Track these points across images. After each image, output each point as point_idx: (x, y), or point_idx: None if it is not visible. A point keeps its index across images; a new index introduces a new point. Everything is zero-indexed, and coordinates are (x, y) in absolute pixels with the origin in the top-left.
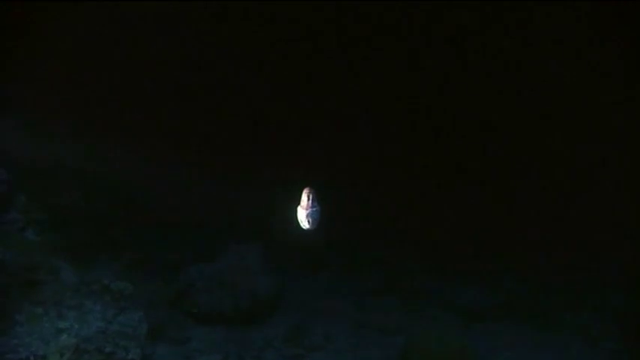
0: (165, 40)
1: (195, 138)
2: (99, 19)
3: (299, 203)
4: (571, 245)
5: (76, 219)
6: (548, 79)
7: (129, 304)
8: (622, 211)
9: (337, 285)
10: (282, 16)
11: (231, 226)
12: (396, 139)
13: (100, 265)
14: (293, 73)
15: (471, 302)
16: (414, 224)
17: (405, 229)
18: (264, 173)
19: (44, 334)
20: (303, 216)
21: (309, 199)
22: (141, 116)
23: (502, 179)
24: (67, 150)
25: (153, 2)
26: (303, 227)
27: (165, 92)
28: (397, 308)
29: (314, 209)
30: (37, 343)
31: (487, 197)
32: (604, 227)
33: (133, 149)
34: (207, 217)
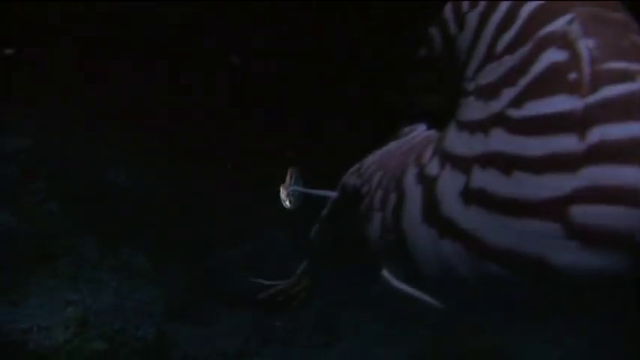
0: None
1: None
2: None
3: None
4: None
5: (102, 193)
6: None
7: (147, 281)
8: None
9: (369, 273)
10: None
11: (258, 210)
12: None
13: (124, 242)
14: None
15: None
16: None
17: None
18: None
19: (53, 306)
20: (283, 195)
21: (290, 178)
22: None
23: None
24: None
25: None
26: (285, 206)
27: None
28: None
29: (293, 188)
30: (44, 314)
31: None
32: None
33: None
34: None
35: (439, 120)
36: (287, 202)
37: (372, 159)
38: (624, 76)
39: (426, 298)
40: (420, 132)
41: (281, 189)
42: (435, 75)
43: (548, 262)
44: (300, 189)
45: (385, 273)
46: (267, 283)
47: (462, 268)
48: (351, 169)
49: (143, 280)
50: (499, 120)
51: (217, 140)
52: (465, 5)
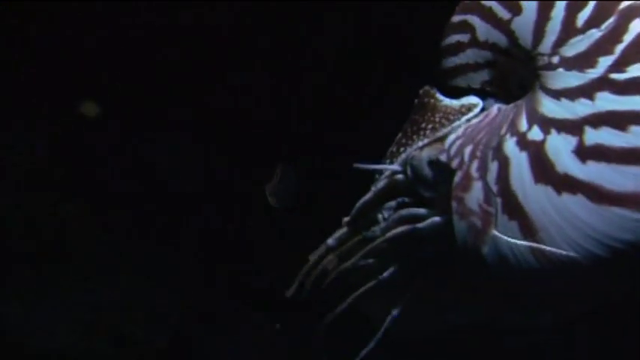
0: None
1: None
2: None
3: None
4: None
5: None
6: None
7: (166, 282)
8: None
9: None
10: None
11: None
12: None
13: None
14: None
15: None
16: None
17: None
18: None
19: (63, 306)
20: (267, 191)
21: (276, 176)
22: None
23: None
24: None
25: None
26: (272, 204)
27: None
28: None
29: (280, 186)
30: (50, 315)
31: None
32: None
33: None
34: None
35: (489, 93)
36: (272, 200)
37: (454, 135)
38: None
39: (546, 247)
40: (493, 108)
41: (266, 187)
42: (480, 56)
43: None
44: (365, 166)
45: (496, 233)
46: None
47: (585, 214)
48: (413, 147)
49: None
50: (603, 84)
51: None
52: None
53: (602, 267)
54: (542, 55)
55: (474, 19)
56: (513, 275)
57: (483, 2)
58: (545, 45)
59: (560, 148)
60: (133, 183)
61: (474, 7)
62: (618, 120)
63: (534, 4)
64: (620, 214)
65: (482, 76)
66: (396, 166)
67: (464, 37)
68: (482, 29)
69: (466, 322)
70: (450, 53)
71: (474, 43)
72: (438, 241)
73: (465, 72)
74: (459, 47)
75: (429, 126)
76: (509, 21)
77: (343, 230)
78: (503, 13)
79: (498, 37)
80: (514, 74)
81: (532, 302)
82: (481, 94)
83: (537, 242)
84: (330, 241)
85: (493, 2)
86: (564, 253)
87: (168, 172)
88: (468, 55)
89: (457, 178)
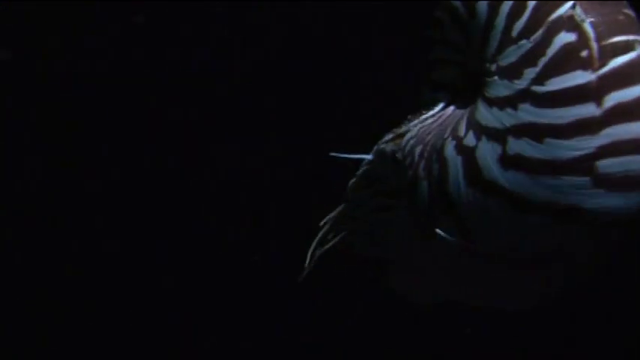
0: None
1: None
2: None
3: None
4: None
5: None
6: None
7: None
8: None
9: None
10: None
11: None
12: None
13: None
14: None
15: None
16: None
17: None
18: None
19: None
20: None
21: None
22: None
23: None
24: None
25: None
26: None
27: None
28: None
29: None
30: None
31: None
32: None
33: None
34: None
35: (455, 93)
36: None
37: (410, 134)
38: (626, 47)
39: (476, 246)
40: (443, 108)
41: None
42: (448, 52)
43: (581, 208)
44: (342, 155)
45: (438, 230)
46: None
47: (506, 220)
48: (386, 137)
49: None
50: (525, 96)
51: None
52: None
53: (525, 269)
54: (485, 62)
55: (445, 17)
56: (454, 266)
57: (453, 2)
58: (488, 52)
59: (487, 155)
60: None
61: (447, 5)
62: (535, 131)
63: (485, 9)
64: (534, 222)
65: (450, 74)
66: (369, 156)
67: (436, 33)
68: (449, 28)
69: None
70: (428, 46)
71: (443, 40)
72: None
73: (437, 67)
74: (433, 41)
75: (405, 120)
76: (467, 23)
77: (334, 212)
78: (464, 14)
79: (460, 39)
80: (471, 77)
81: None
82: (451, 92)
83: (469, 241)
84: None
85: (459, 2)
86: (489, 253)
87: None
88: (439, 51)
89: (408, 176)
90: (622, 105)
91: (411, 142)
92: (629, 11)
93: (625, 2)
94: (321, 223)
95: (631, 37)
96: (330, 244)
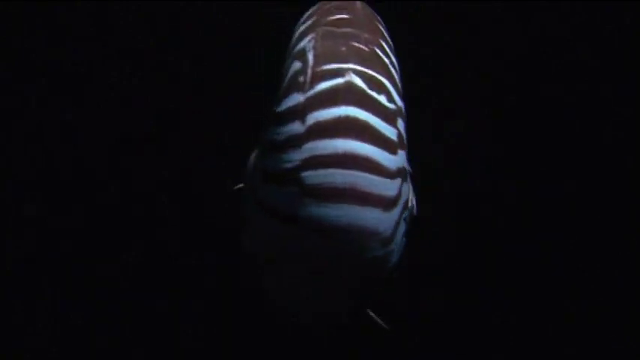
0: None
1: None
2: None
3: None
4: None
5: None
6: None
7: None
8: None
9: None
10: None
11: None
12: None
13: None
14: None
15: None
16: None
17: None
18: None
19: None
20: None
21: None
22: None
23: None
24: None
25: None
26: None
27: None
28: None
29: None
30: None
31: None
32: None
33: None
34: None
35: None
36: None
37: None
38: (336, 74)
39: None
40: None
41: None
42: None
43: (297, 216)
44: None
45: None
46: None
47: (260, 223)
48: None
49: None
50: (272, 118)
51: None
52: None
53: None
54: None
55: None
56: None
57: None
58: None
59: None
60: None
61: None
62: (268, 146)
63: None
64: (270, 224)
65: None
66: None
67: None
68: None
69: None
70: None
71: None
72: None
73: None
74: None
75: None
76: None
77: None
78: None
79: None
80: None
81: None
82: None
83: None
84: None
85: None
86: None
87: None
88: None
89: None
90: (320, 123)
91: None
92: (361, 45)
93: (364, 36)
94: None
95: (344, 66)
96: None
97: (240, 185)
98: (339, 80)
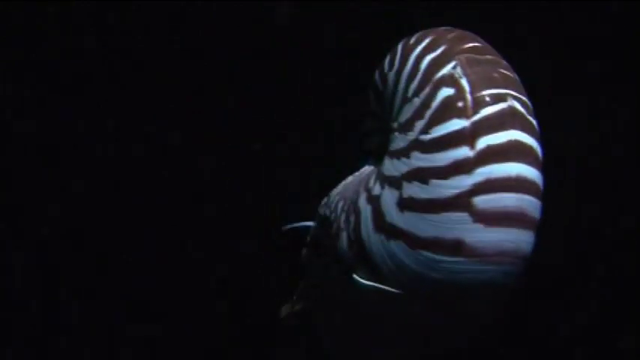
0: None
1: None
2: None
3: None
4: None
5: None
6: None
7: None
8: None
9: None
10: None
11: None
12: None
13: None
14: None
15: None
16: None
17: None
18: None
19: None
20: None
21: None
22: None
23: None
24: None
25: None
26: None
27: None
28: None
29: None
30: None
31: None
32: None
33: None
34: None
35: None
36: None
37: (336, 191)
38: (497, 99)
39: (387, 288)
40: (367, 168)
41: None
42: (373, 122)
43: (464, 242)
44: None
45: (355, 276)
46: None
47: (406, 259)
48: (323, 201)
49: None
50: (415, 144)
51: None
52: (386, 66)
53: (427, 302)
54: (392, 122)
55: (370, 91)
56: (378, 318)
57: (375, 75)
58: (393, 113)
59: (388, 200)
60: None
61: (371, 81)
62: (423, 175)
63: (392, 78)
64: (427, 257)
65: (376, 141)
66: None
67: (366, 106)
68: (373, 100)
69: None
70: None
71: (369, 111)
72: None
73: (368, 136)
74: (362, 115)
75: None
76: (382, 92)
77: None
78: (380, 86)
79: (379, 108)
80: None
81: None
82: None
83: (379, 283)
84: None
85: (376, 73)
86: (396, 291)
87: None
88: (366, 122)
89: (333, 228)
90: (492, 147)
91: (336, 198)
92: (506, 71)
93: (503, 63)
94: (284, 311)
95: (502, 90)
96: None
97: (293, 225)
98: (503, 105)
